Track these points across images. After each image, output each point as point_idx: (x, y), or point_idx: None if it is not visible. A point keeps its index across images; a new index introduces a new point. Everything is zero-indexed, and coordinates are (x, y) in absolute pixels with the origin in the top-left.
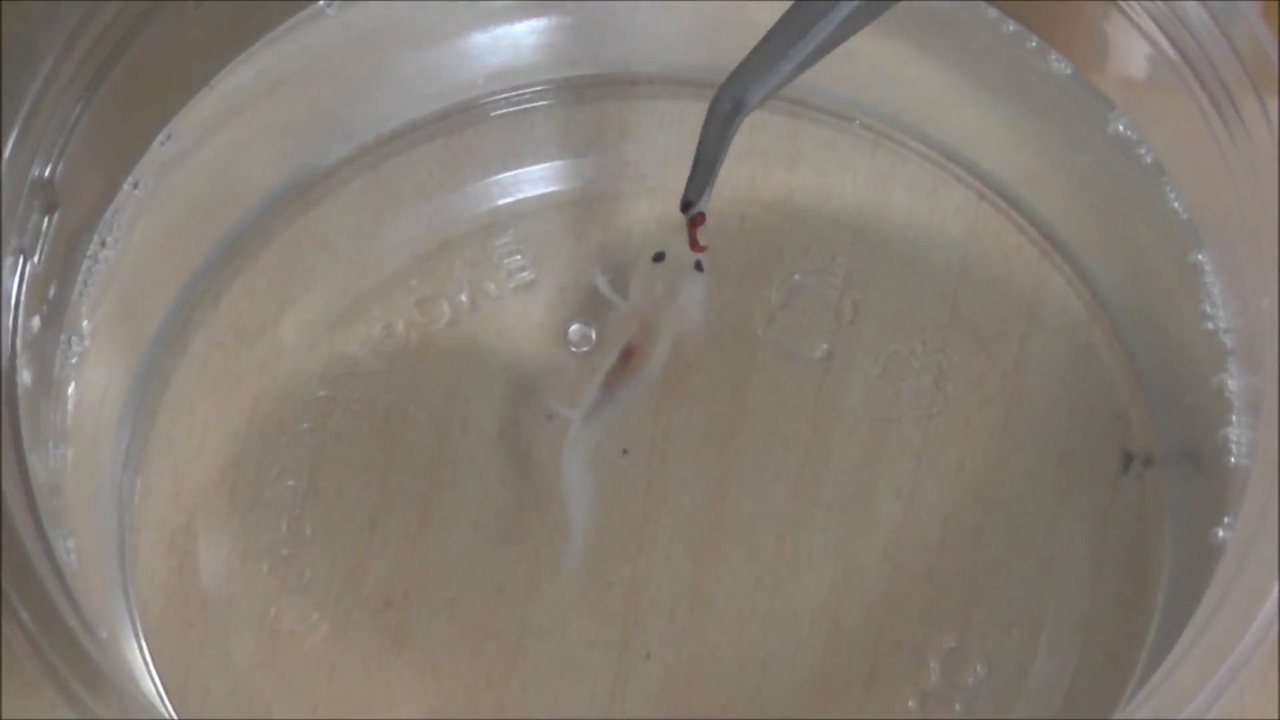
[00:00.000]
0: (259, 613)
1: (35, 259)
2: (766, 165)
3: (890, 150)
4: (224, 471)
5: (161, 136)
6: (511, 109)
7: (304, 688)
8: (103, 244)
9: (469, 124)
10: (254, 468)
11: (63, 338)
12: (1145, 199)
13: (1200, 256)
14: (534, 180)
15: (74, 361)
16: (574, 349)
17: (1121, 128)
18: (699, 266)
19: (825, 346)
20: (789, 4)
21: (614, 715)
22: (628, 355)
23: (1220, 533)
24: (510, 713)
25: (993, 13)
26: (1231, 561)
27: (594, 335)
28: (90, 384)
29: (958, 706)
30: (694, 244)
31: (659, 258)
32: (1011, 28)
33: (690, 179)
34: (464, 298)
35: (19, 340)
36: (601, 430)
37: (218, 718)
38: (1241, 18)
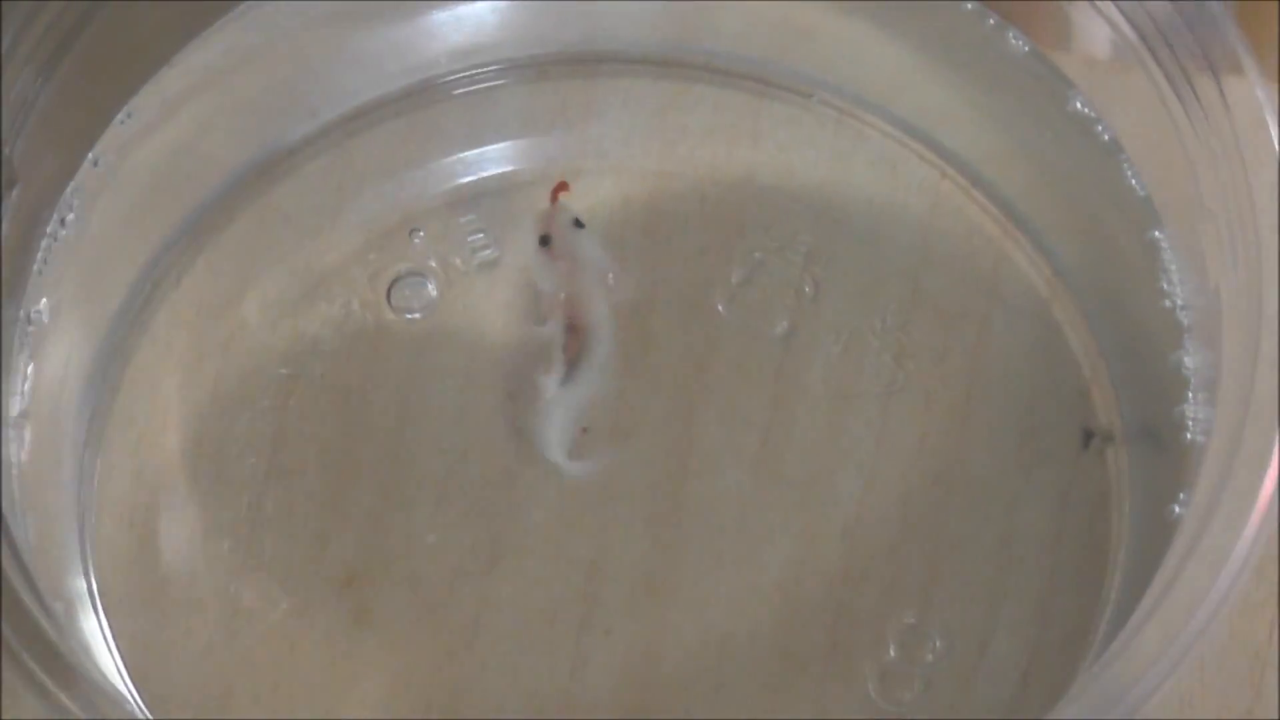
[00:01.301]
0: (220, 590)
1: None
2: (728, 143)
3: (852, 128)
4: (185, 449)
5: (122, 115)
6: (475, 87)
7: (265, 664)
8: (62, 222)
9: (432, 102)
10: (215, 445)
11: (21, 315)
12: (1103, 177)
13: (1158, 234)
14: (497, 158)
15: (33, 339)
16: None
17: (1079, 105)
18: (578, 223)
19: (786, 324)
20: None
21: (574, 691)
22: (572, 331)
23: (1176, 509)
24: (470, 689)
25: None
26: (1186, 537)
27: None
28: (50, 362)
29: (917, 683)
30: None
31: (544, 241)
32: (970, 6)
33: None
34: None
35: None
36: (579, 408)
37: (178, 695)
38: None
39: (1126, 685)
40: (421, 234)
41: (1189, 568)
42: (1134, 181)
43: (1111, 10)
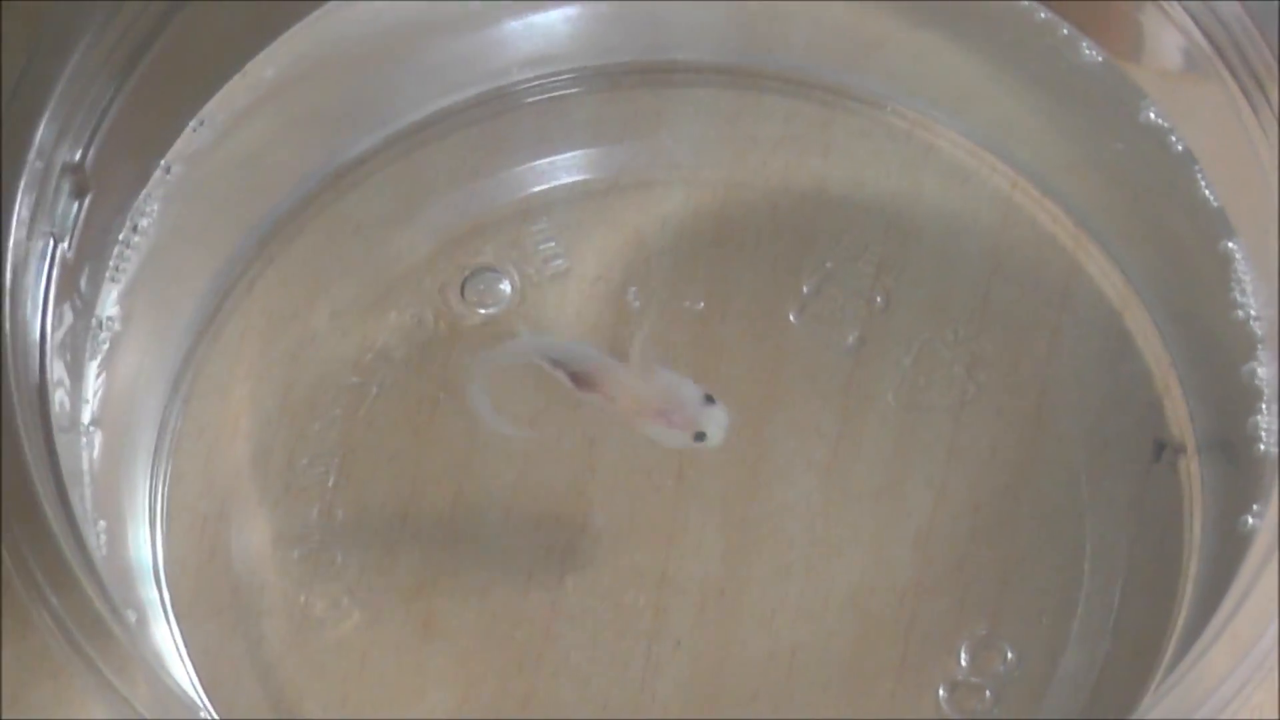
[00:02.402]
0: (290, 599)
1: (66, 243)
2: (800, 154)
3: (923, 139)
4: (256, 458)
5: (194, 123)
6: (545, 96)
7: (335, 674)
8: (134, 229)
9: (503, 111)
10: (286, 454)
11: (94, 323)
12: (1176, 187)
13: (1231, 244)
14: (567, 168)
15: (105, 347)
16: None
17: (1153, 115)
18: (709, 398)
19: (857, 335)
20: None
21: (643, 703)
22: (578, 380)
23: (1250, 520)
24: (540, 700)
25: (1024, 1)
26: (1260, 549)
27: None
28: (122, 370)
29: (988, 694)
30: None
31: (709, 399)
32: (1043, 16)
33: None
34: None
35: (50, 324)
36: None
37: (248, 704)
38: (1275, 8)
39: (1199, 700)
40: (545, 220)
41: (1263, 581)
42: (1207, 192)
43: (1185, 20)
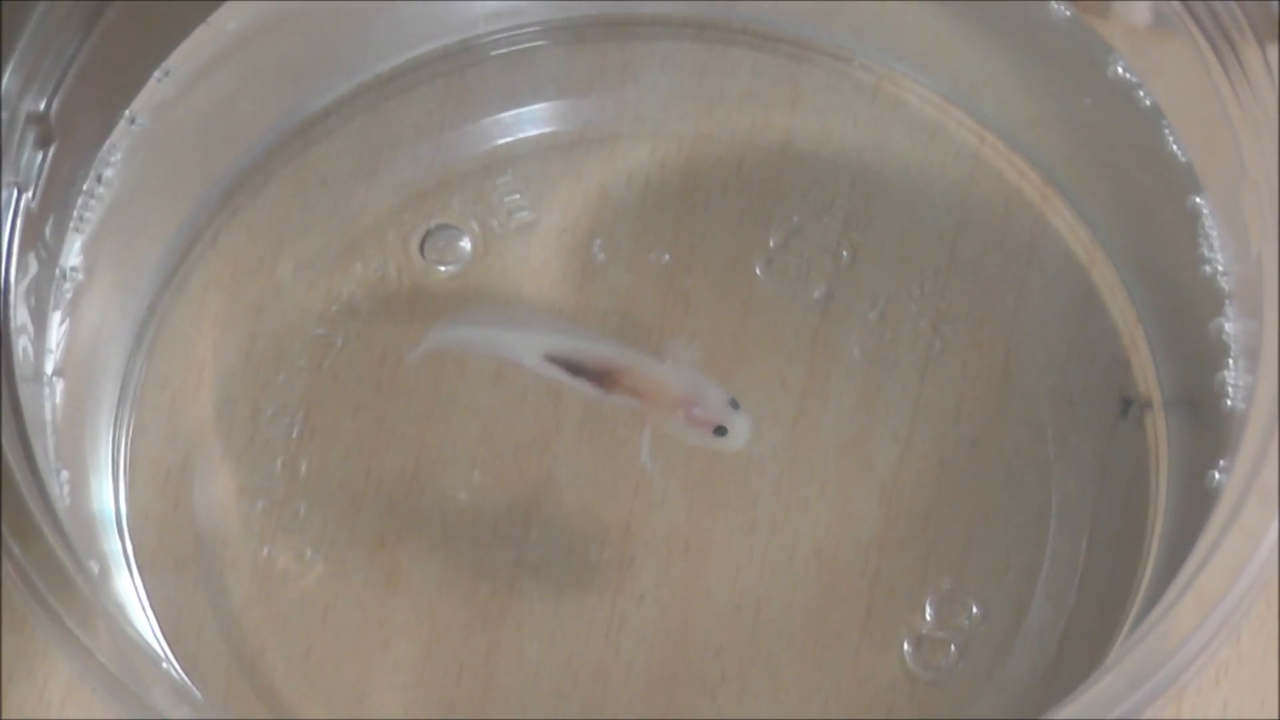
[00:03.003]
0: (253, 551)
1: (30, 193)
2: (766, 108)
3: (891, 94)
4: (220, 409)
5: (158, 74)
6: (511, 48)
7: (298, 627)
8: (99, 179)
9: (469, 63)
10: (250, 406)
11: (58, 273)
12: (1144, 142)
13: (1199, 200)
14: (533, 120)
15: (69, 297)
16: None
17: (1121, 70)
18: (734, 404)
19: (823, 289)
20: None
21: (608, 656)
22: (597, 377)
23: (1216, 476)
24: (504, 653)
25: None
26: (1226, 505)
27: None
28: (86, 320)
29: (952, 649)
30: None
31: (734, 404)
32: None
33: None
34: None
35: (13, 274)
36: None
37: (211, 656)
38: None
39: (1165, 655)
40: (510, 172)
41: (1228, 537)
42: (1175, 147)
43: None
